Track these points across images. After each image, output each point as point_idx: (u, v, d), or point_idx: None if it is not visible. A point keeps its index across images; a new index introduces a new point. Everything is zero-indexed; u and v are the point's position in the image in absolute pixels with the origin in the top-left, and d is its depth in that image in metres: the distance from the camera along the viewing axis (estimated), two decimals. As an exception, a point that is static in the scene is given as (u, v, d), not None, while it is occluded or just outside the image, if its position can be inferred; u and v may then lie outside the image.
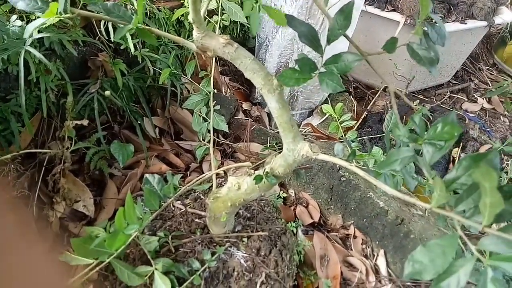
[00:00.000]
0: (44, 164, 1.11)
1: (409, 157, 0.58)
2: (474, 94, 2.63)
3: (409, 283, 1.11)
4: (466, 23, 2.13)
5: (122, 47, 1.20)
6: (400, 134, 0.62)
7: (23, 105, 0.89)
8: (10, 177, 0.98)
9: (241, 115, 1.74)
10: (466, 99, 2.59)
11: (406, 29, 1.95)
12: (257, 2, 1.02)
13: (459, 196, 0.47)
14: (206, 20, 1.20)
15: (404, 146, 0.61)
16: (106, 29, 1.16)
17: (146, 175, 0.87)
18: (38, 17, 0.70)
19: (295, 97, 1.95)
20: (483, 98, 2.60)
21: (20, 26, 0.92)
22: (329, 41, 0.55)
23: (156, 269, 0.81)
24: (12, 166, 0.98)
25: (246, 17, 1.12)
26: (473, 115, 2.44)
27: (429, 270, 0.44)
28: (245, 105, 1.91)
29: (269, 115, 1.97)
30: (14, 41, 0.85)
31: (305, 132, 1.88)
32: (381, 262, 1.13)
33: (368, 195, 1.21)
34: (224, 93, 1.77)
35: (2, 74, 1.02)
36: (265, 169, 0.76)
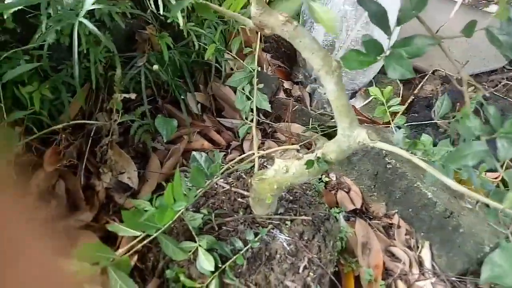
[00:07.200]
0: (91, 135, 1.14)
1: (482, 152, 0.54)
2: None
3: (453, 278, 1.06)
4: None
5: (168, 21, 1.18)
6: (472, 125, 0.57)
7: (76, 76, 0.90)
8: (61, 147, 1.00)
9: (282, 94, 1.70)
10: (524, 87, 2.39)
11: (464, 9, 1.80)
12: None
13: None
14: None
15: (470, 139, 0.57)
16: (155, 2, 1.14)
17: (194, 152, 0.87)
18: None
19: (338, 78, 1.88)
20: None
21: (74, -2, 0.91)
22: (399, 23, 0.51)
23: (200, 245, 0.82)
24: (63, 135, 1.00)
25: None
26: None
27: (510, 275, 0.41)
28: (286, 84, 1.86)
29: (310, 95, 1.91)
30: (68, 12, 0.85)
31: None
32: (426, 255, 1.09)
33: (415, 185, 1.15)
34: (266, 71, 1.73)
35: (55, 44, 1.04)
36: (316, 154, 0.73)
